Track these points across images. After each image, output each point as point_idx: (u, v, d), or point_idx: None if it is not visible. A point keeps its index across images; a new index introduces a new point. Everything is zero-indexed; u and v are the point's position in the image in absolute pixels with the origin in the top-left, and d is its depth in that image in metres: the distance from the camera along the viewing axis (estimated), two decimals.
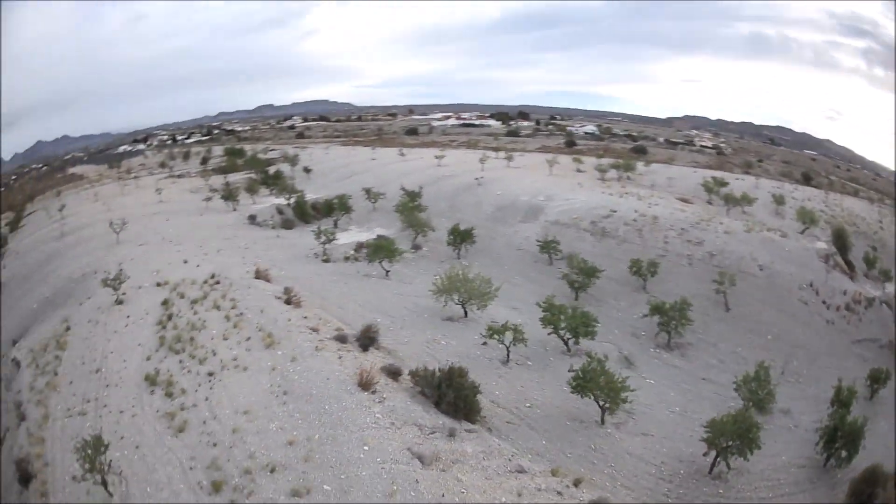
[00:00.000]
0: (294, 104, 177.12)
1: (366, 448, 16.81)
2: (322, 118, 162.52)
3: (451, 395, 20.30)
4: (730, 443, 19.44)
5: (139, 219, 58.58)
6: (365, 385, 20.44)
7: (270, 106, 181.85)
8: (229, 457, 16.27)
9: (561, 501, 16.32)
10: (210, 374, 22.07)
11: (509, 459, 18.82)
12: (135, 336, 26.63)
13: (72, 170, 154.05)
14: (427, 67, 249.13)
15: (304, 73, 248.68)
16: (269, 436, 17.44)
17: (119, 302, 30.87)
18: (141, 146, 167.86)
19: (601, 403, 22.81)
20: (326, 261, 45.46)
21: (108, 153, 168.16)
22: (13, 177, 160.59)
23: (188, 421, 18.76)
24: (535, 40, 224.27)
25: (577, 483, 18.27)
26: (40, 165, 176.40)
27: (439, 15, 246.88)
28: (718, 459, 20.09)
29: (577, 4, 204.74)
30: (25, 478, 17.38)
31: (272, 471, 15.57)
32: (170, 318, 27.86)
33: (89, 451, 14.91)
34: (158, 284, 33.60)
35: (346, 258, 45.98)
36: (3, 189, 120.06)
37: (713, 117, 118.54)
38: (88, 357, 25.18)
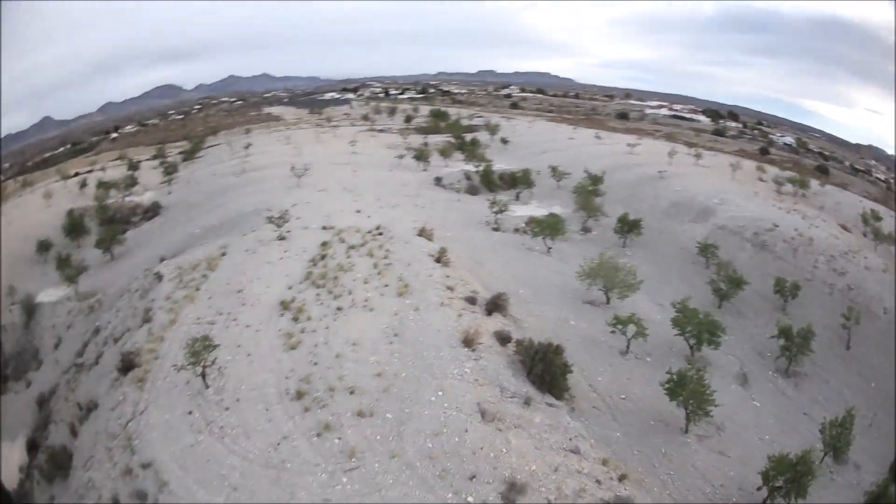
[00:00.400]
0: (516, 73, 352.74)
1: (440, 393, 41.07)
2: (539, 91, 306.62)
3: (540, 367, 45.91)
4: (783, 483, 38.73)
5: (326, 167, 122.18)
6: (467, 342, 47.15)
7: (492, 72, 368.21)
8: (322, 375, 42.40)
9: (585, 486, 36.56)
10: (338, 309, 52.89)
11: (570, 439, 40.81)
12: (285, 268, 62.92)
13: (268, 109, 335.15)
14: (646, 54, 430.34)
15: (526, 43, 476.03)
16: (364, 366, 43.80)
17: (281, 238, 71.18)
18: (350, 95, 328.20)
19: (688, 410, 45.01)
20: (496, 230, 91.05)
21: (313, 98, 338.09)
22: (197, 106, 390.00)
23: (302, 342, 47.12)
24: (747, 42, 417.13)
25: (621, 478, 38.66)
26: (233, 99, 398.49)
27: (660, 5, 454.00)
28: (768, 500, 39.83)
29: (786, 13, 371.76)
30: (127, 367, 46.42)
31: (351, 392, 40.55)
32: (323, 257, 63.98)
33: (197, 346, 41.47)
34: (324, 228, 74.55)
35: (516, 230, 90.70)
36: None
37: (891, 152, 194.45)
38: (234, 280, 60.96)
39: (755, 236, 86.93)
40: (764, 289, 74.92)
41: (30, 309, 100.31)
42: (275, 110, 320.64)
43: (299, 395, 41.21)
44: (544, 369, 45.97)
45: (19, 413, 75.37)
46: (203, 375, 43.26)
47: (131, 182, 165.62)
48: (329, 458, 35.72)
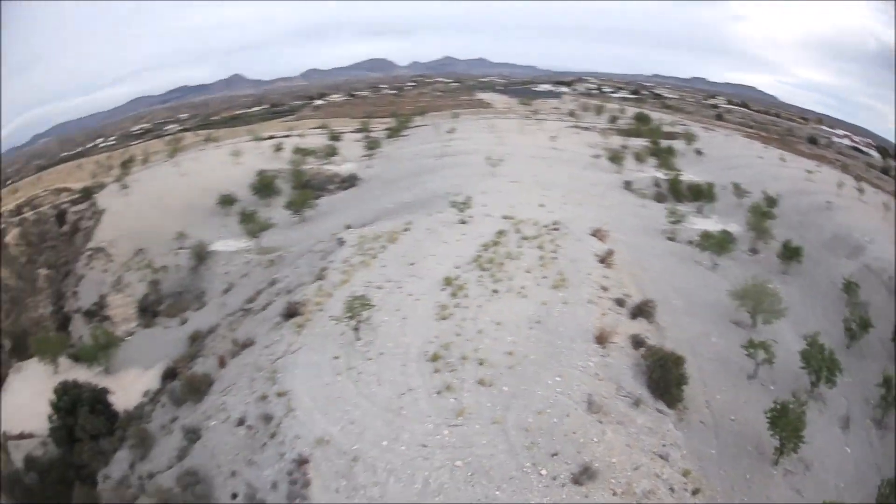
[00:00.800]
0: (726, 84, 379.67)
1: (558, 379, 46.56)
2: (744, 104, 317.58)
3: (658, 374, 49.88)
4: None
5: (523, 159, 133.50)
6: (600, 339, 52.75)
7: (703, 80, 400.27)
8: (460, 345, 49.75)
9: (657, 489, 39.83)
10: (494, 292, 60.47)
11: (664, 445, 43.79)
12: (457, 249, 71.81)
13: (481, 95, 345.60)
14: (834, 80, 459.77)
15: (736, 55, 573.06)
16: (500, 343, 50.54)
17: (462, 222, 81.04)
18: (563, 89, 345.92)
19: (780, 443, 46.98)
20: (671, 239, 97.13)
21: (527, 88, 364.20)
22: (411, 83, 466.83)
23: (453, 315, 55.24)
24: None
25: (695, 492, 41.18)
26: (450, 80, 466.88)
27: (851, 33, 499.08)
28: None
29: None
30: (290, 314, 58.20)
31: (480, 363, 47.42)
32: (495, 244, 72.19)
33: (355, 304, 51.32)
34: (505, 217, 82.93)
35: (690, 242, 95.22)
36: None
37: None
38: (410, 254, 71.25)
39: (889, 280, 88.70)
40: (888, 335, 74.10)
41: (201, 255, 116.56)
42: (487, 97, 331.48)
43: (434, 358, 48.18)
44: (661, 376, 50.41)
45: (163, 345, 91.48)
46: (356, 329, 51.85)
47: (331, 151, 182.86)
48: (440, 413, 42.33)
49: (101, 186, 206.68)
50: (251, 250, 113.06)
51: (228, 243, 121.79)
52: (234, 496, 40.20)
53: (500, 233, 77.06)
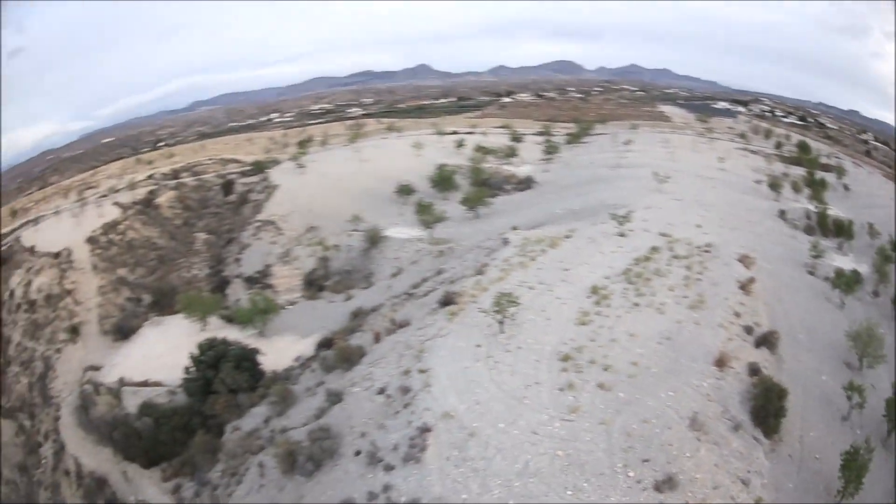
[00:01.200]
0: (876, 120, 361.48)
1: (670, 393, 49.15)
2: (884, 142, 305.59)
3: (760, 403, 51.61)
4: None
5: (689, 177, 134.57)
6: (720, 362, 54.80)
7: (858, 113, 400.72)
8: (592, 349, 53.29)
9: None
10: (635, 305, 63.34)
11: (748, 471, 45.85)
12: (611, 260, 75.51)
13: (662, 107, 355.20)
14: None
15: (877, 91, 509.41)
16: (628, 353, 53.78)
17: (621, 235, 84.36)
18: (740, 108, 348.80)
19: (843, 485, 47.62)
20: (811, 273, 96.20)
21: (706, 104, 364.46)
22: (598, 88, 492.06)
23: (592, 321, 58.50)
24: None
25: None
26: (635, 88, 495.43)
27: None
28: None
29: None
30: (446, 302, 64.78)
31: (605, 369, 50.57)
32: (647, 259, 74.92)
33: (502, 300, 56.14)
34: (661, 234, 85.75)
35: (826, 278, 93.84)
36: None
37: None
38: (567, 259, 75.68)
39: None
40: None
41: (374, 239, 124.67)
42: (667, 109, 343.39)
43: (565, 358, 51.87)
44: (763, 406, 52.90)
45: (323, 317, 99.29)
46: (501, 322, 56.53)
47: (511, 152, 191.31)
48: (557, 408, 46.23)
49: (275, 162, 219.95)
50: (423, 240, 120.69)
51: (402, 231, 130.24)
52: (358, 453, 44.82)
53: (654, 249, 79.95)
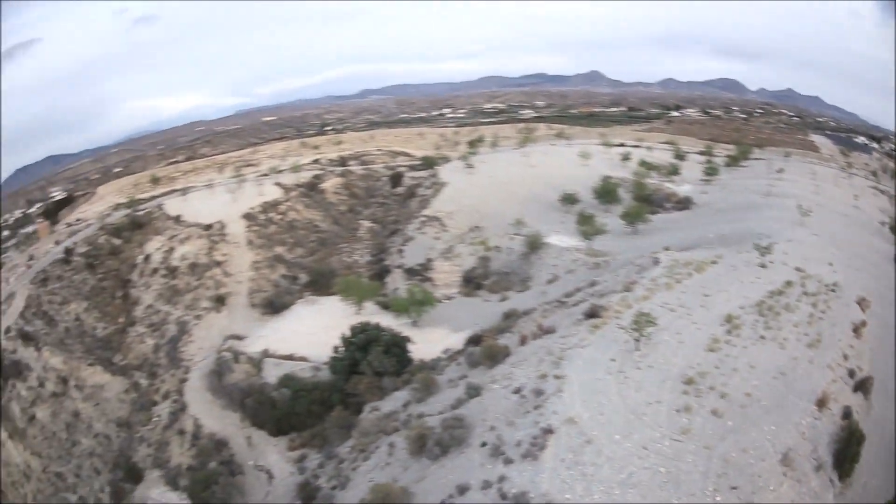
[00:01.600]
0: None
1: (772, 427, 51.07)
2: None
3: (841, 447, 54.11)
4: None
5: (828, 213, 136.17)
6: (819, 403, 56.36)
7: None
8: (714, 376, 56.28)
9: None
10: (762, 337, 65.11)
11: None
12: (748, 290, 77.03)
13: (812, 136, 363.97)
14: None
15: None
16: (745, 383, 56.50)
17: (761, 266, 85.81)
18: (874, 145, 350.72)
19: None
20: None
21: (848, 137, 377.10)
22: (759, 110, 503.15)
23: (720, 349, 61.02)
24: None
25: None
26: (791, 114, 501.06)
27: None
28: None
29: None
30: (591, 315, 68.45)
31: (721, 396, 52.93)
32: (780, 293, 76.10)
33: (641, 319, 59.09)
34: (796, 269, 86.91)
35: None
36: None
37: None
38: (708, 286, 78.40)
39: None
40: None
41: (535, 244, 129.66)
42: (817, 139, 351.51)
43: (689, 382, 55.29)
44: (842, 449, 55.78)
45: (477, 315, 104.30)
46: (637, 340, 60.01)
47: (674, 170, 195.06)
48: (668, 427, 49.21)
49: (445, 159, 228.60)
50: (581, 250, 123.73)
51: (563, 239, 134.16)
52: (483, 444, 48.69)
53: (788, 283, 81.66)
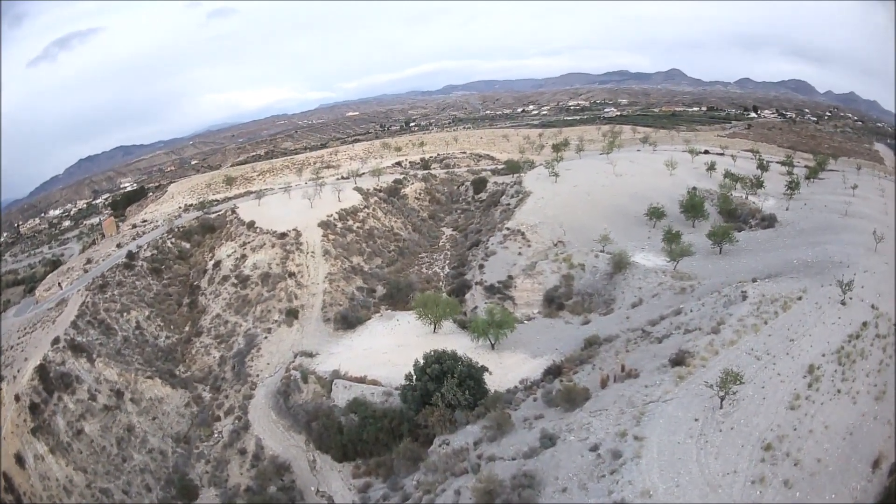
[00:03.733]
0: None
1: (833, 495, 50.51)
2: None
3: None
4: None
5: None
6: (875, 463, 55.62)
7: None
8: (792, 439, 54.43)
9: None
10: (838, 392, 62.28)
11: None
12: (829, 333, 73.67)
13: (877, 145, 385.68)
14: None
15: None
16: (818, 447, 54.68)
17: (842, 303, 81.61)
18: None
19: None
20: None
21: None
22: (828, 113, 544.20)
23: (800, 407, 58.28)
24: None
25: None
26: (855, 118, 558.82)
27: None
28: None
29: None
30: (677, 362, 65.77)
31: (795, 464, 51.25)
32: (857, 337, 73.29)
33: (729, 377, 56.65)
34: (872, 306, 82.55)
35: None
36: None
37: None
38: (794, 328, 75.03)
39: None
40: None
41: (620, 264, 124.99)
42: (880, 148, 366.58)
43: (767, 448, 53.28)
44: None
45: (558, 339, 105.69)
46: (722, 399, 57.61)
47: (758, 183, 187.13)
48: (736, 497, 47.85)
49: (529, 164, 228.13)
50: (667, 272, 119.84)
51: (648, 257, 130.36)
52: None
53: (864, 325, 77.63)
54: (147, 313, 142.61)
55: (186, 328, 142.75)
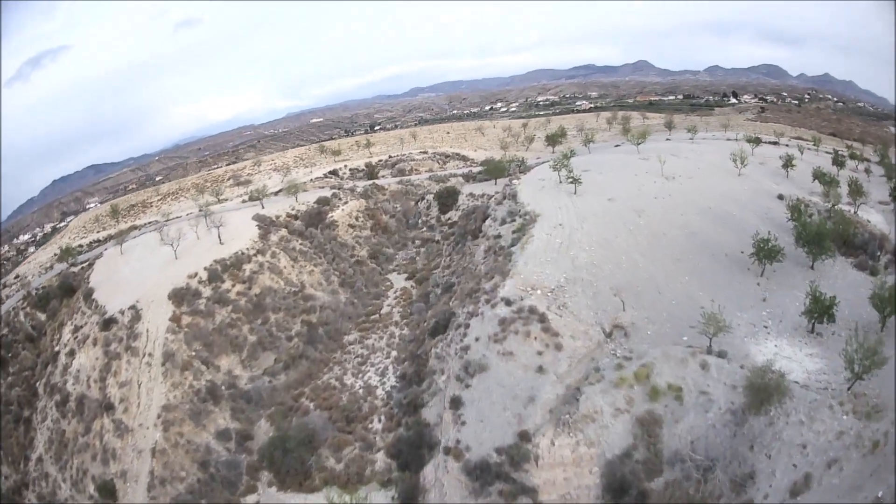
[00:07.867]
0: None
1: None
2: None
3: None
4: None
5: None
6: None
7: None
8: None
9: None
10: None
11: None
12: None
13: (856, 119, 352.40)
14: None
15: None
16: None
17: None
18: None
19: None
20: None
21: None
22: (807, 95, 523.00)
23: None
24: None
25: None
26: (834, 99, 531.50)
27: None
28: None
29: None
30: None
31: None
32: None
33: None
34: None
35: None
36: None
37: None
38: None
39: None
40: None
41: (765, 394, 69.02)
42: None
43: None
44: None
45: None
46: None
47: (858, 189, 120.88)
48: None
49: (520, 165, 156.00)
50: (844, 402, 55.80)
51: (784, 351, 65.49)
52: None
53: None
54: None
55: (17, 470, 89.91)
